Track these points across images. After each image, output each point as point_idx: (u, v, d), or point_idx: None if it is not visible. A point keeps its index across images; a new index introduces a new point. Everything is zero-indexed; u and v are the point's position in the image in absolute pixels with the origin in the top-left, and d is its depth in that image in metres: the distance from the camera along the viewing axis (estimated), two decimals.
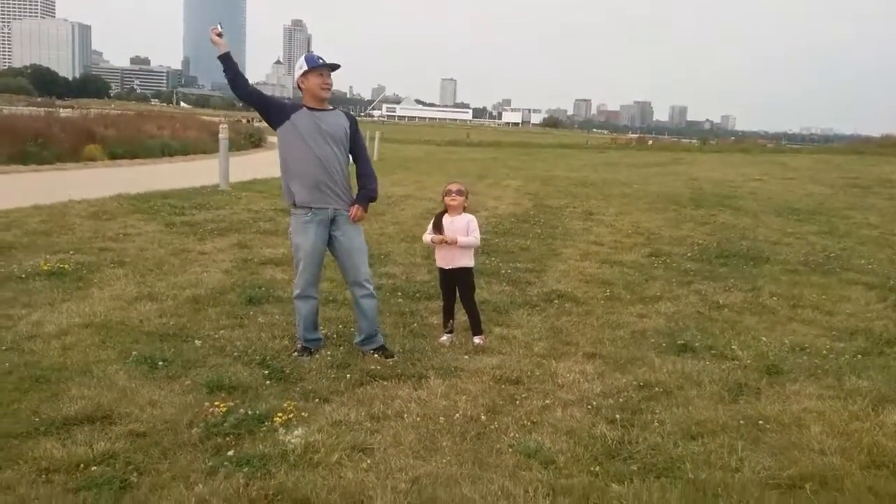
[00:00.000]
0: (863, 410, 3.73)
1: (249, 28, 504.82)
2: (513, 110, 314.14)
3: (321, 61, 4.22)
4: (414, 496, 2.77)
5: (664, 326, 5.28)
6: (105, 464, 2.90)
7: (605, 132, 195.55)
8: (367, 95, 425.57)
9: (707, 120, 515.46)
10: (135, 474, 2.83)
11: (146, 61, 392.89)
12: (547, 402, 3.76)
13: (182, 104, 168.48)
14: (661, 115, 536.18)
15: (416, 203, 12.04)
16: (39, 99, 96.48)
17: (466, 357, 4.42)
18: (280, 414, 3.37)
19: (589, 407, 3.71)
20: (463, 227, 4.58)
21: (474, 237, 4.63)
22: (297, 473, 2.88)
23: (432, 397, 3.74)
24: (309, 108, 4.22)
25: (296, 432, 3.24)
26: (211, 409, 3.41)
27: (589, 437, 3.33)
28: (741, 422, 3.55)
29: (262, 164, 18.21)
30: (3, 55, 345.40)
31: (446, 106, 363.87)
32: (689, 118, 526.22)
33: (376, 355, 4.32)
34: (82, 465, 2.86)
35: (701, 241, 9.18)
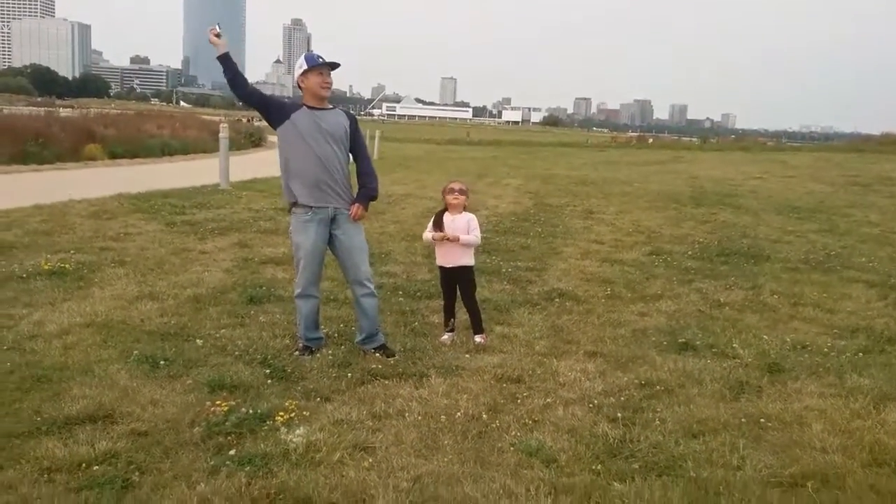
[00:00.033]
0: (864, 408, 3.73)
1: (249, 27, 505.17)
2: (513, 109, 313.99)
3: (321, 60, 4.22)
4: (416, 495, 2.77)
5: (665, 325, 5.28)
6: (107, 463, 2.90)
7: (606, 131, 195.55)
8: (366, 94, 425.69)
9: (707, 118, 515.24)
10: (137, 474, 2.83)
11: (146, 61, 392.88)
12: (548, 400, 3.76)
13: (182, 103, 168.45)
14: (661, 113, 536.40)
15: (416, 202, 12.04)
16: (39, 99, 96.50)
17: (468, 356, 4.42)
18: (281, 413, 3.38)
19: (590, 405, 3.71)
20: (464, 226, 4.58)
21: (475, 236, 4.64)
22: (299, 472, 2.88)
23: (434, 396, 3.74)
24: (309, 108, 4.22)
25: (297, 431, 3.24)
26: (212, 409, 3.41)
27: (590, 436, 3.33)
28: (743, 420, 3.55)
29: (263, 163, 18.22)
30: (3, 55, 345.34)
31: (446, 105, 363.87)
32: (689, 116, 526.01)
33: (377, 354, 4.32)
34: (84, 465, 2.87)
35: (702, 239, 9.18)
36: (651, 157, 29.45)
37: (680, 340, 4.84)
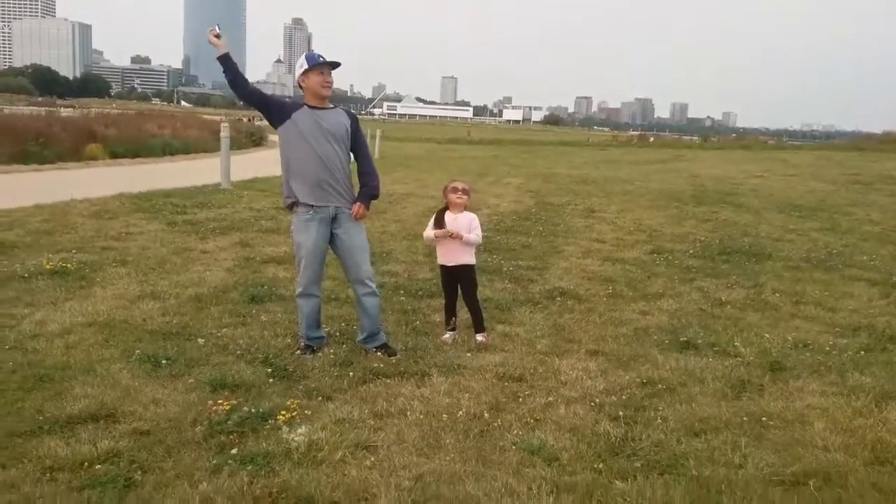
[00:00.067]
0: (866, 407, 3.72)
1: (250, 27, 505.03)
2: (513, 108, 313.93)
3: (321, 59, 4.22)
4: (418, 493, 2.77)
5: (667, 323, 5.28)
6: (109, 462, 2.90)
7: (607, 129, 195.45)
8: (367, 94, 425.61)
9: (708, 117, 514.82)
10: (139, 472, 2.84)
11: (147, 60, 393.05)
12: (550, 399, 3.76)
13: (183, 103, 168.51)
14: (662, 112, 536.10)
15: (417, 201, 12.04)
16: (40, 98, 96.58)
17: (469, 355, 4.42)
18: (283, 412, 3.38)
19: (592, 404, 3.71)
20: (466, 225, 4.59)
21: (476, 235, 4.65)
22: (301, 471, 2.89)
23: (435, 395, 3.74)
24: (310, 107, 4.22)
25: (299, 430, 3.24)
26: (214, 408, 3.41)
27: (592, 435, 3.33)
28: (744, 418, 3.55)
29: (263, 162, 18.22)
30: (4, 55, 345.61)
31: (447, 104, 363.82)
32: (690, 115, 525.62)
33: (379, 353, 4.32)
34: (86, 464, 2.87)
35: (703, 238, 9.18)
36: (652, 156, 29.44)
37: (681, 339, 4.84)
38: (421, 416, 3.46)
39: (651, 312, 5.59)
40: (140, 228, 8.31)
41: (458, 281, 4.74)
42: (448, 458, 3.07)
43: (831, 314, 5.68)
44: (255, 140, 28.42)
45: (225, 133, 13.70)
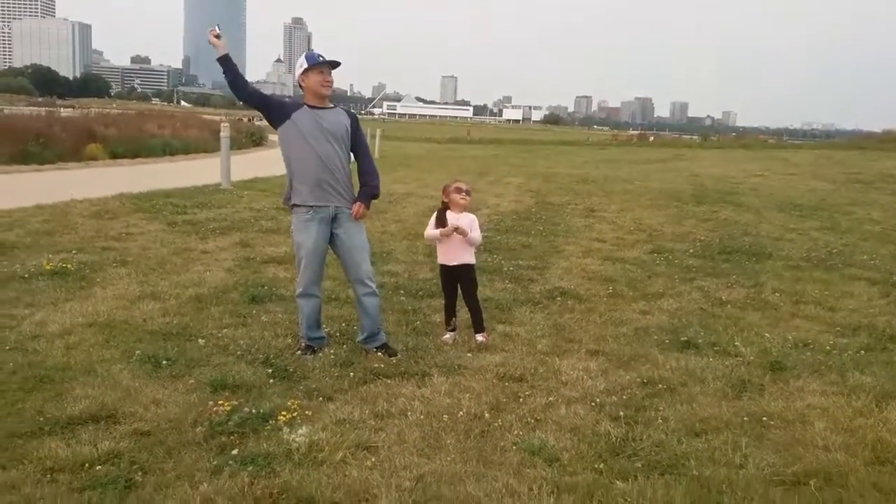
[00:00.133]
0: (866, 406, 3.72)
1: (249, 26, 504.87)
2: (513, 107, 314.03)
3: (321, 59, 4.22)
4: (418, 494, 2.77)
5: (667, 323, 5.28)
6: (110, 463, 2.90)
7: (606, 129, 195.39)
8: (367, 93, 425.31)
9: (708, 116, 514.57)
10: (139, 473, 2.84)
11: (146, 60, 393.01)
12: (550, 399, 3.76)
13: (183, 103, 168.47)
14: (661, 111, 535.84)
15: (417, 201, 12.04)
16: (40, 99, 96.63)
17: (469, 355, 4.42)
18: (284, 412, 3.38)
19: (592, 404, 3.71)
20: (467, 225, 4.60)
21: (477, 234, 4.65)
22: (302, 472, 2.88)
23: (436, 395, 3.74)
24: (310, 107, 4.22)
25: (300, 431, 3.24)
26: (215, 408, 3.41)
27: (593, 435, 3.33)
28: (745, 418, 3.55)
29: (264, 162, 18.22)
30: (4, 55, 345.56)
31: (447, 103, 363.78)
32: (690, 114, 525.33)
33: (379, 353, 4.32)
34: (87, 465, 2.87)
35: (703, 237, 9.18)
36: (652, 155, 29.44)
37: (682, 339, 4.84)
38: (421, 417, 3.46)
39: (651, 312, 5.59)
40: (140, 229, 8.31)
41: (458, 281, 4.74)
42: (449, 458, 3.07)
43: (831, 314, 5.68)
44: (255, 140, 28.41)
45: (225, 133, 13.70)
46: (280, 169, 4.39)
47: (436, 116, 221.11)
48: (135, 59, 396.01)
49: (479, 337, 4.70)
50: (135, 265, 6.45)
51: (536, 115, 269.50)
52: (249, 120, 37.32)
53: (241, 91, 4.20)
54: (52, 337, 4.42)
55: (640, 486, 2.85)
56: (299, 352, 4.30)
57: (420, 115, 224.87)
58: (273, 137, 23.09)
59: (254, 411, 3.39)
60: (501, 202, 12.51)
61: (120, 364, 4.01)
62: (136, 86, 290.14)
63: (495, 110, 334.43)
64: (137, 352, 4.17)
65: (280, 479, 2.83)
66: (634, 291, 6.25)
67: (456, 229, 4.52)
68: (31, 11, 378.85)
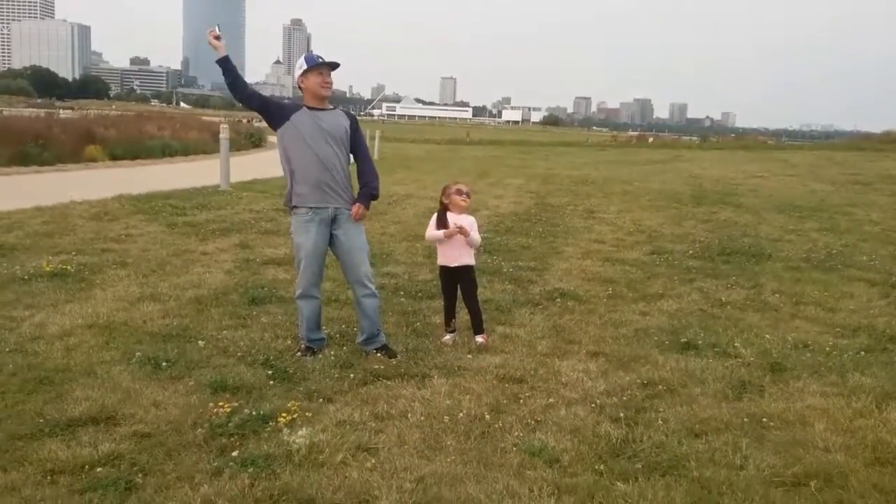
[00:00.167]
0: (866, 407, 3.72)
1: (248, 27, 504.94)
2: (513, 108, 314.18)
3: (320, 60, 4.22)
4: (419, 495, 2.77)
5: (667, 324, 5.28)
6: (110, 465, 2.90)
7: (606, 130, 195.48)
8: (366, 94, 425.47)
9: (707, 117, 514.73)
10: (140, 475, 2.84)
11: (146, 62, 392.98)
12: (551, 400, 3.76)
13: (182, 104, 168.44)
14: (661, 112, 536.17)
15: (417, 202, 12.04)
16: (39, 100, 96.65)
17: (469, 356, 4.42)
18: (284, 414, 3.38)
19: (593, 405, 3.71)
20: (468, 226, 4.60)
21: (477, 236, 4.66)
22: (302, 473, 2.88)
23: (436, 396, 3.74)
24: (309, 108, 4.22)
25: (300, 432, 3.24)
26: (215, 410, 3.41)
27: (593, 436, 3.33)
28: (745, 419, 3.55)
29: (263, 164, 18.22)
30: (3, 56, 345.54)
31: (446, 104, 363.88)
32: (689, 115, 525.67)
33: (379, 355, 4.32)
34: (87, 467, 2.87)
35: (703, 238, 9.18)
36: (651, 157, 29.45)
37: (682, 340, 4.84)
38: (422, 418, 3.46)
39: (651, 313, 5.59)
40: (140, 230, 8.31)
41: (458, 282, 4.74)
42: (449, 459, 3.07)
43: (831, 315, 5.68)
44: (254, 141, 28.42)
45: (224, 134, 13.70)
46: (280, 170, 4.39)
47: (435, 118, 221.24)
48: (134, 61, 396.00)
49: (479, 338, 4.70)
50: (134, 267, 6.45)
51: (535, 117, 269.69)
52: (248, 121, 37.32)
53: (240, 93, 4.20)
54: (51, 338, 4.41)
55: (640, 487, 2.85)
56: (299, 353, 4.30)
57: (419, 116, 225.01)
58: (272, 139, 23.10)
59: (254, 413, 3.39)
60: (501, 203, 12.51)
61: (120, 366, 4.01)
62: (135, 87, 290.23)
63: (494, 111, 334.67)
64: (137, 353, 4.17)
65: (280, 480, 2.83)
66: (634, 293, 6.25)
67: (460, 229, 4.52)
68: (30, 13, 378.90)
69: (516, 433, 3.35)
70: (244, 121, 38.98)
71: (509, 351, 4.58)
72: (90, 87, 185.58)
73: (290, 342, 4.53)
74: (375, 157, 19.65)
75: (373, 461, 3.02)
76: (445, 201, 4.65)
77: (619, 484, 2.88)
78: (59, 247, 7.16)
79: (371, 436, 3.27)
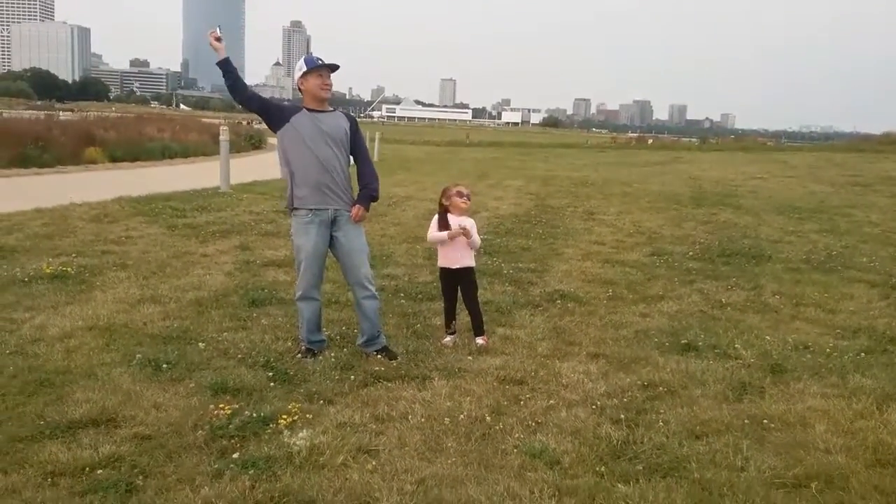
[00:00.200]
0: (867, 409, 3.72)
1: (248, 29, 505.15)
2: (512, 110, 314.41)
3: (320, 62, 4.22)
4: (419, 497, 2.77)
5: (667, 326, 5.28)
6: (110, 467, 2.90)
7: (605, 131, 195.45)
8: (366, 96, 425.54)
9: (707, 118, 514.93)
10: (140, 477, 2.84)
11: (145, 64, 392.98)
12: (551, 402, 3.76)
13: (182, 106, 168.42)
14: (660, 113, 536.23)
15: (417, 204, 12.04)
16: (39, 102, 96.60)
17: (470, 358, 4.42)
18: (285, 416, 3.38)
19: (593, 407, 3.71)
20: (469, 228, 4.60)
21: (477, 238, 4.67)
22: (303, 475, 2.88)
23: (437, 398, 3.74)
24: (309, 110, 4.22)
25: (301, 434, 3.24)
26: (216, 412, 3.41)
27: (594, 438, 3.33)
28: (746, 421, 3.55)
29: (263, 165, 18.23)
30: (3, 58, 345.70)
31: (446, 106, 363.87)
32: (688, 117, 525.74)
33: (380, 356, 4.32)
34: (88, 469, 2.87)
35: (702, 239, 9.18)
36: (651, 158, 29.46)
37: (682, 341, 4.84)
38: (422, 420, 3.46)
39: (651, 315, 5.59)
40: (140, 232, 8.31)
41: (459, 283, 4.74)
42: (450, 461, 3.07)
43: (831, 316, 5.69)
44: (254, 143, 28.43)
45: (224, 136, 13.71)
46: (279, 172, 4.39)
47: (435, 119, 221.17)
48: (134, 63, 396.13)
49: (480, 340, 4.70)
50: (135, 269, 6.45)
51: (535, 118, 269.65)
52: (248, 123, 37.35)
53: (240, 95, 4.20)
54: (52, 340, 4.41)
55: (641, 489, 2.85)
56: (299, 355, 4.30)
57: (419, 118, 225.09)
58: (272, 140, 23.12)
59: (254, 415, 3.39)
60: (501, 205, 12.52)
61: (120, 368, 4.01)
62: (135, 89, 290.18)
63: (494, 113, 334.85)
64: (138, 355, 4.17)
65: (281, 482, 2.82)
66: (634, 294, 6.25)
67: (464, 230, 4.53)
68: (30, 15, 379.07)
69: (517, 435, 3.35)
70: (244, 123, 39.01)
71: (510, 352, 4.58)
72: (90, 88, 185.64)
73: (290, 344, 4.53)
74: (375, 158, 19.65)
75: (373, 463, 3.02)
76: (446, 203, 4.66)
77: (619, 485, 2.88)
78: (59, 249, 7.16)
79: (372, 438, 3.27)
